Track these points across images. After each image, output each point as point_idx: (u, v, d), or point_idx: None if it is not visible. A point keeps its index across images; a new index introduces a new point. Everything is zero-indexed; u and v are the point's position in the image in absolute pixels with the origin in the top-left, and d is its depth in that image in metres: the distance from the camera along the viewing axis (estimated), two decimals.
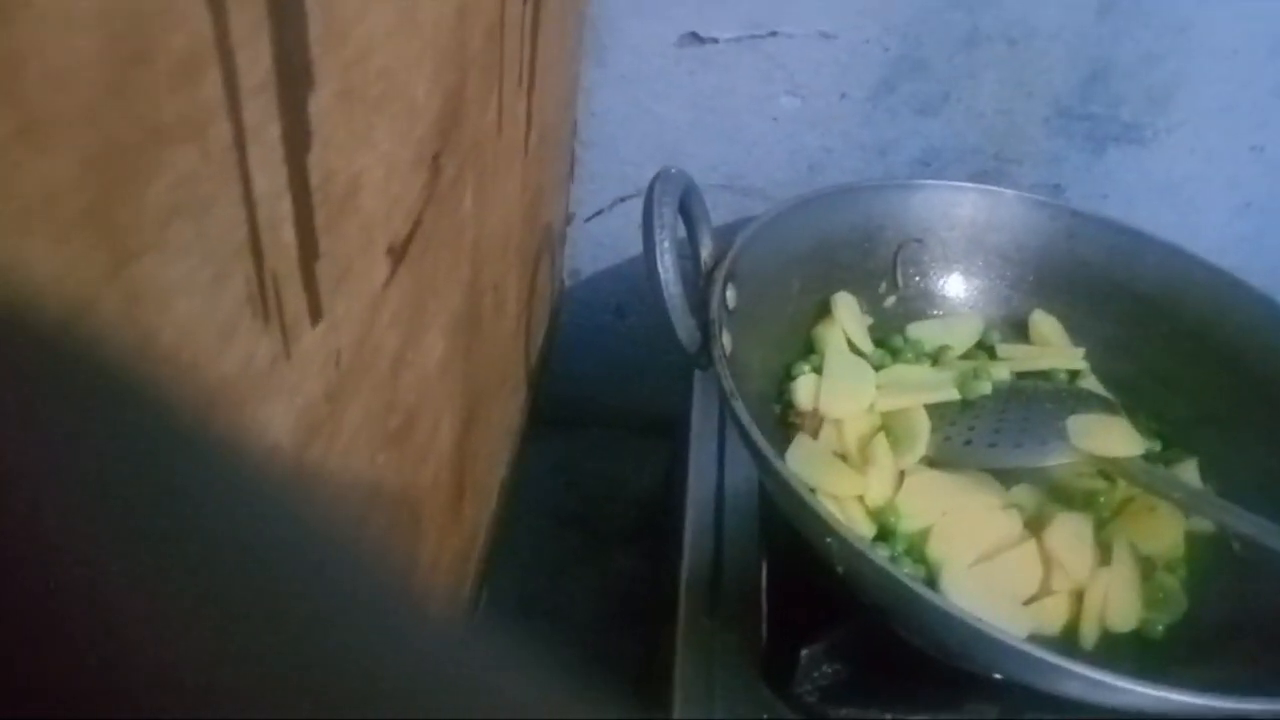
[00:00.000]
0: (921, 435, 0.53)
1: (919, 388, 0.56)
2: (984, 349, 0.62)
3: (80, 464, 0.09)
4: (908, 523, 0.49)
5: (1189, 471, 0.55)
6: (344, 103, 0.21)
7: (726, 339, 0.49)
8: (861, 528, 0.49)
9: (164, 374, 0.11)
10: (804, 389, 0.55)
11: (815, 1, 0.65)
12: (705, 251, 0.52)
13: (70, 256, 0.13)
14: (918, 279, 0.64)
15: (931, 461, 0.52)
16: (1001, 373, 0.58)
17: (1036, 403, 0.55)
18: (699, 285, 0.51)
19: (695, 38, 0.67)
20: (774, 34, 0.66)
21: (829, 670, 0.47)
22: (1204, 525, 0.52)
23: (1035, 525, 0.50)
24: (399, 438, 0.32)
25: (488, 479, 0.56)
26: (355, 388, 0.25)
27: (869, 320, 0.61)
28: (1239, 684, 0.40)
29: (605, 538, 0.79)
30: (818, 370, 0.56)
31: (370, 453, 0.28)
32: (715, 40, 0.67)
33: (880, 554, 0.44)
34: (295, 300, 0.20)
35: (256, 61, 0.16)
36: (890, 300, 0.64)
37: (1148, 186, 0.71)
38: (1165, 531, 0.52)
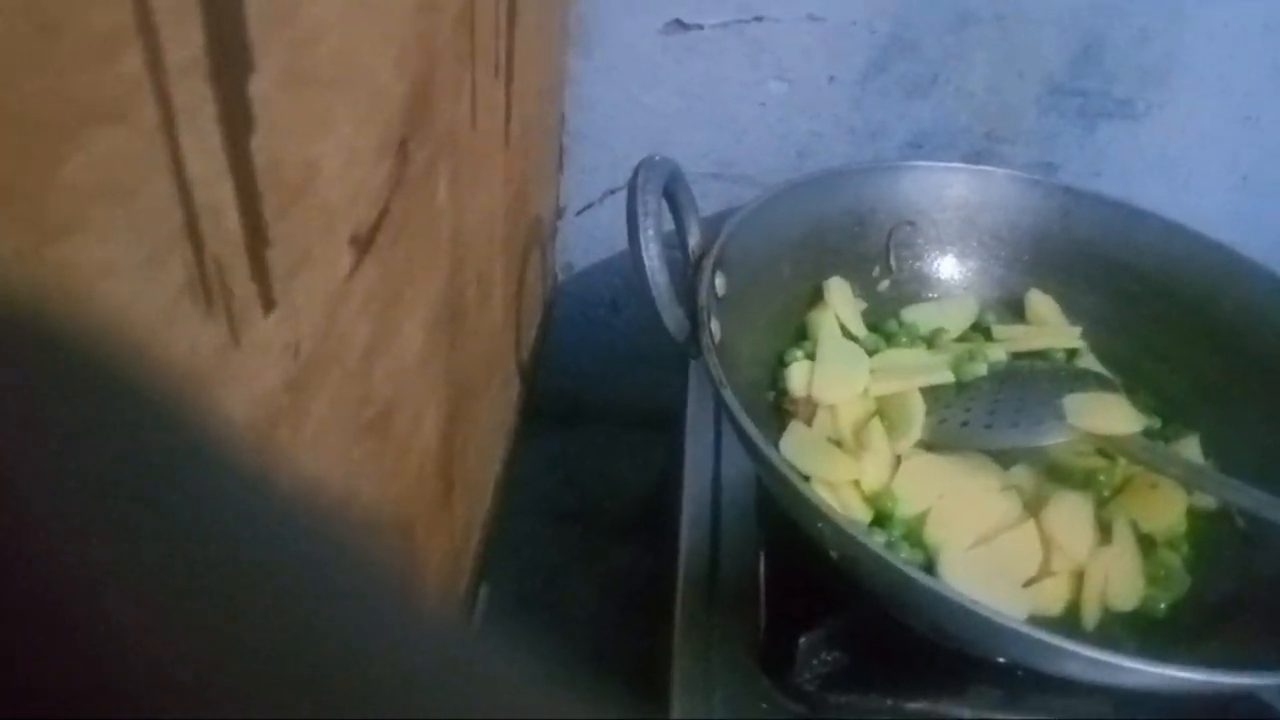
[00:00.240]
0: (916, 419, 0.52)
1: (913, 371, 0.55)
2: (980, 330, 0.61)
3: (36, 455, 0.09)
4: (905, 507, 0.49)
5: (1190, 448, 0.55)
6: (292, 86, 0.21)
7: (716, 327, 0.48)
8: (858, 514, 0.49)
9: (101, 353, 0.11)
10: (797, 375, 0.54)
11: None
12: (693, 239, 0.52)
13: None
14: (911, 262, 0.63)
15: (928, 445, 0.52)
16: (998, 354, 0.58)
17: (1033, 382, 0.55)
18: (687, 273, 0.50)
19: (680, 25, 0.66)
20: (760, 18, 0.66)
21: (828, 658, 0.46)
22: (1205, 501, 0.51)
23: (1034, 506, 0.50)
24: (376, 430, 0.31)
25: (480, 475, 0.56)
26: (321, 379, 0.25)
27: (862, 305, 0.61)
28: (1243, 659, 0.40)
29: (603, 533, 0.79)
30: (811, 356, 0.56)
31: (343, 445, 0.28)
32: (700, 26, 0.66)
33: (875, 539, 0.43)
34: (243, 288, 0.19)
35: (184, 40, 0.16)
36: (884, 284, 0.63)
37: (1142, 163, 0.70)
38: (1166, 508, 0.51)
